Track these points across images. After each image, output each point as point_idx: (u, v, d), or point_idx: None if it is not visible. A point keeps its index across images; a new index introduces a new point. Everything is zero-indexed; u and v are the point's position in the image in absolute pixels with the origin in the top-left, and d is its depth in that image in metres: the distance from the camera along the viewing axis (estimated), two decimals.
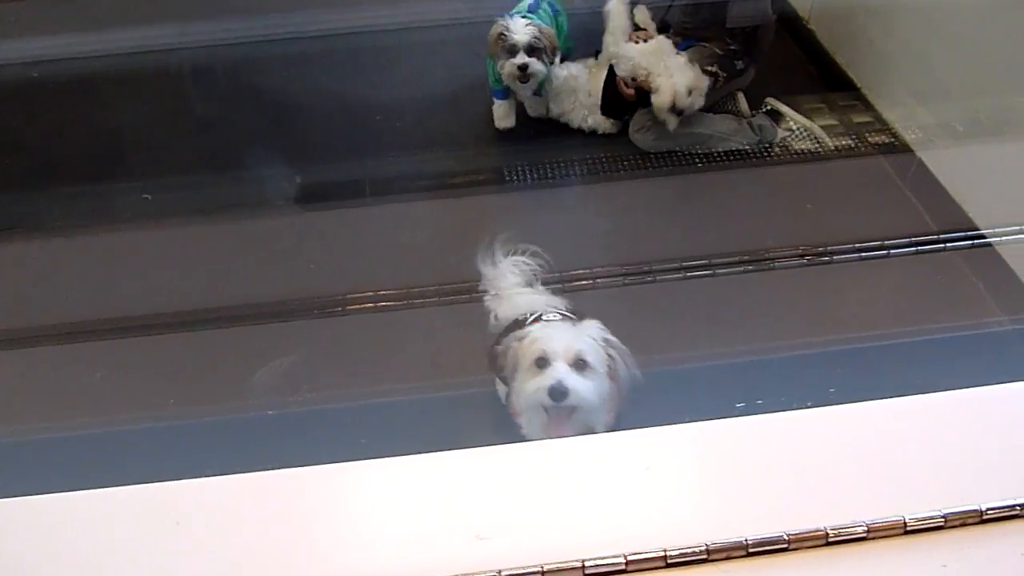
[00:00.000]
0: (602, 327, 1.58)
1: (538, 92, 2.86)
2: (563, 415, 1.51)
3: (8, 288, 2.40)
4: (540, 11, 2.79)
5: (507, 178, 2.76)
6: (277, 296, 2.24)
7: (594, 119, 2.85)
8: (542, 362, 1.50)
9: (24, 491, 0.78)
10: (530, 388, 1.50)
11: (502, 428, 1.73)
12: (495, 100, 2.88)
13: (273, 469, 0.78)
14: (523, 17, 2.67)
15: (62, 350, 2.08)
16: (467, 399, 1.96)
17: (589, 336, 1.53)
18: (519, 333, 1.60)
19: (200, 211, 2.61)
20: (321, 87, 3.19)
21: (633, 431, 0.75)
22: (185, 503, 0.78)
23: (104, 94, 3.22)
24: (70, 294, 2.36)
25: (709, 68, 2.74)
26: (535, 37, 2.62)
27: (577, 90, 2.82)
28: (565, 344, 1.50)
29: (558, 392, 1.46)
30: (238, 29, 3.14)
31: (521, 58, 2.63)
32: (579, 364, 1.49)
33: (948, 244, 2.22)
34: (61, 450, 1.81)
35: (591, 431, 1.59)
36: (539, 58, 2.65)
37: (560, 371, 1.47)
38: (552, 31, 2.71)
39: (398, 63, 3.28)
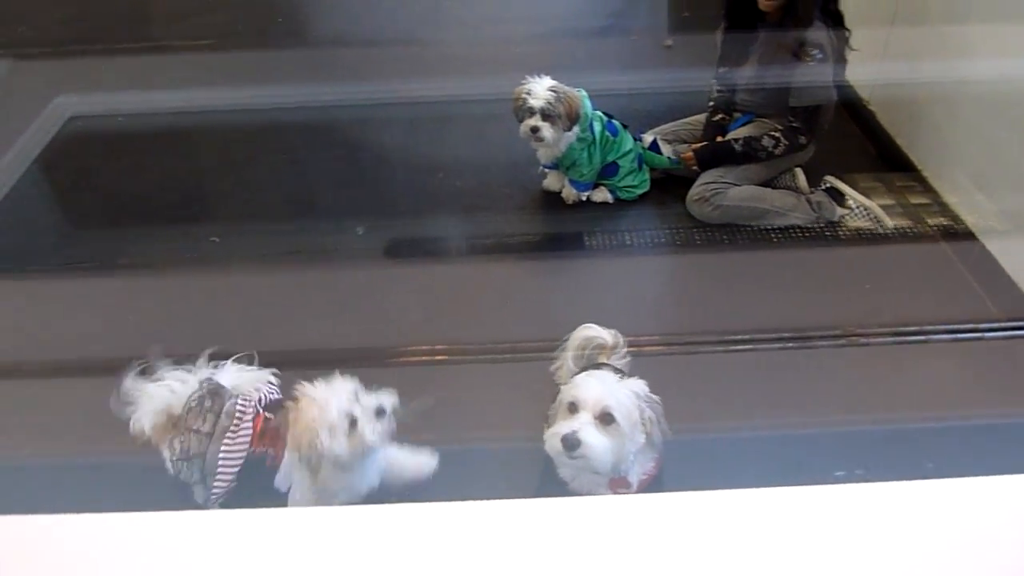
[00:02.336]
0: (645, 386, 1.59)
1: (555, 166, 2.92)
2: (576, 463, 1.53)
3: (82, 321, 2.51)
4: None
5: (562, 244, 2.82)
6: (325, 344, 2.31)
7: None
8: (573, 407, 1.53)
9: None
10: (550, 432, 1.54)
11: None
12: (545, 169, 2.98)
13: None
14: (551, 80, 2.71)
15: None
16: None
17: (622, 391, 1.55)
18: (571, 379, 1.64)
19: (266, 257, 2.72)
20: (392, 147, 3.34)
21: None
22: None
23: (190, 146, 3.47)
24: (141, 328, 2.45)
25: (772, 133, 2.77)
26: (549, 103, 2.66)
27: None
28: (596, 396, 1.52)
29: (570, 442, 1.48)
30: (323, 93, 3.37)
31: (535, 120, 2.69)
32: (605, 418, 1.51)
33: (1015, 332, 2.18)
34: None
35: (624, 480, 1.60)
36: (553, 124, 2.69)
37: (582, 420, 1.50)
38: (577, 98, 2.72)
39: (464, 129, 3.43)
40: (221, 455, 1.63)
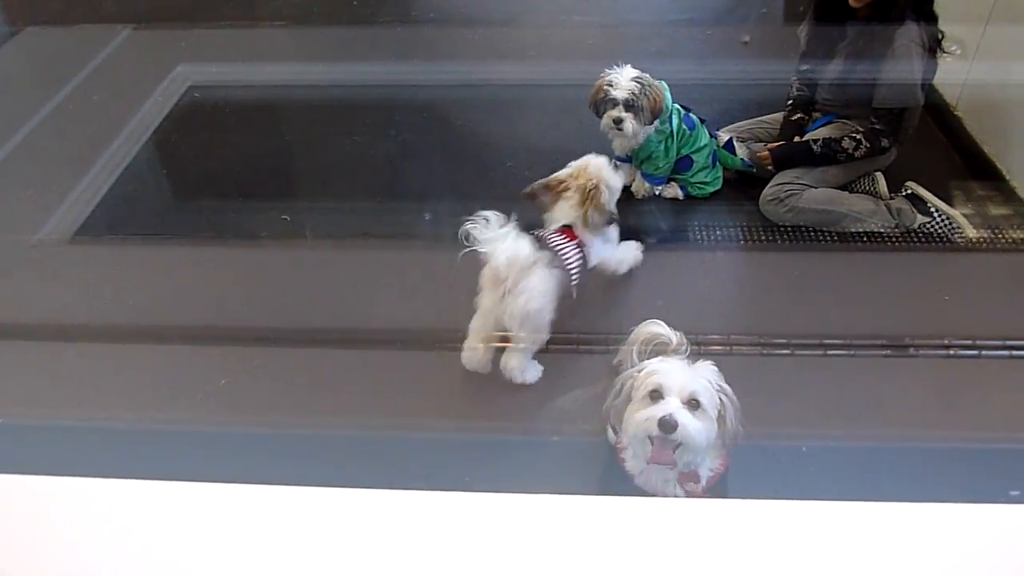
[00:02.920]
0: (717, 371, 1.57)
1: (628, 159, 2.87)
2: (667, 448, 1.52)
3: (152, 289, 2.59)
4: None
5: (630, 239, 2.76)
6: (388, 322, 2.36)
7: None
8: (656, 395, 1.52)
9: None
10: (641, 416, 1.51)
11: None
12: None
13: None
14: (634, 70, 2.65)
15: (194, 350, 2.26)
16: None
17: (704, 378, 1.54)
18: (638, 366, 1.61)
19: (334, 237, 2.77)
20: (465, 132, 3.36)
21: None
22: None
23: (287, 120, 3.59)
24: (210, 300, 2.53)
25: (854, 135, 2.68)
26: (633, 94, 2.60)
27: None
28: (681, 382, 1.51)
29: (668, 424, 1.47)
30: (400, 73, 3.41)
31: (618, 112, 2.63)
32: (692, 404, 1.50)
33: None
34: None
35: (694, 474, 1.59)
36: (636, 115, 2.63)
37: (673, 405, 1.49)
38: (661, 90, 2.67)
39: (536, 115, 3.43)
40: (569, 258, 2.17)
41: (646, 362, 1.60)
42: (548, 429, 2.05)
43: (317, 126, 3.48)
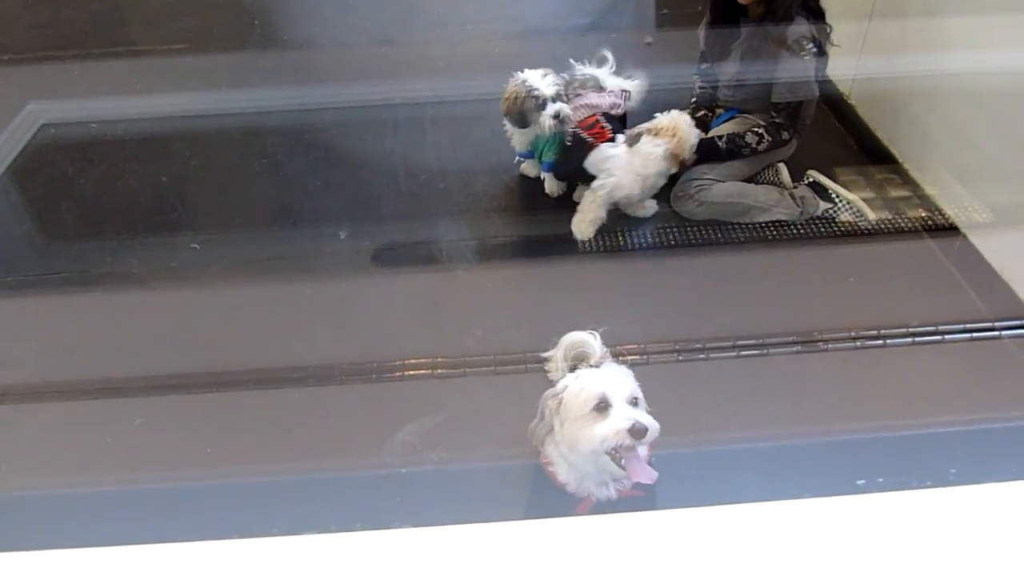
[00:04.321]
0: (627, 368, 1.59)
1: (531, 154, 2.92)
2: (636, 455, 1.48)
3: (55, 335, 2.46)
4: None
5: (548, 244, 2.79)
6: (306, 345, 2.30)
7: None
8: (602, 405, 1.47)
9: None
10: (604, 430, 1.45)
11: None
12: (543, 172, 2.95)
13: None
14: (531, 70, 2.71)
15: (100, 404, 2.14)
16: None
17: (630, 377, 1.55)
18: (556, 389, 1.58)
19: (246, 263, 2.69)
20: (372, 150, 3.31)
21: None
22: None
23: (166, 152, 3.40)
24: (117, 340, 2.41)
25: (756, 129, 2.77)
26: (557, 85, 2.67)
27: None
28: (620, 386, 1.50)
29: (640, 431, 1.43)
30: (300, 96, 3.31)
31: (557, 106, 2.66)
32: (634, 403, 1.50)
33: (1004, 331, 2.20)
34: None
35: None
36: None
37: (630, 410, 1.46)
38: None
39: (445, 131, 3.41)
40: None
41: (566, 379, 1.58)
42: (393, 462, 1.99)
43: (182, 160, 3.33)
